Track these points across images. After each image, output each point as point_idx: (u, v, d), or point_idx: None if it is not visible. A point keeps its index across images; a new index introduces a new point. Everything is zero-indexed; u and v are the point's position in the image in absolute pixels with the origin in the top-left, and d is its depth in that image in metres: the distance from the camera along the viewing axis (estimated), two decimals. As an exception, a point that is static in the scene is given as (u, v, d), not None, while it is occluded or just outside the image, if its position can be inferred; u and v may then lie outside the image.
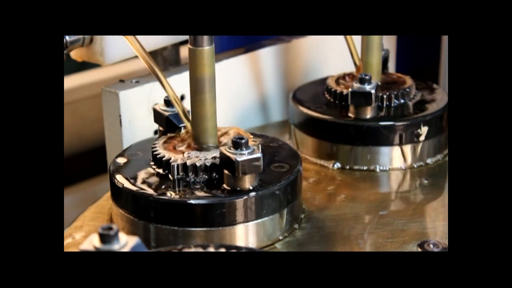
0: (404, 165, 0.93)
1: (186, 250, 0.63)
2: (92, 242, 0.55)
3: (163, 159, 0.77)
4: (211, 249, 0.62)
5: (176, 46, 1.08)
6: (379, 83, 0.96)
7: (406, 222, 0.82)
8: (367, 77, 0.92)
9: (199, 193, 0.75)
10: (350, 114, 0.93)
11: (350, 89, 0.92)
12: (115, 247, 0.55)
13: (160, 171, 0.78)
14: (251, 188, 0.75)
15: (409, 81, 0.99)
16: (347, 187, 0.89)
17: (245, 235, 0.76)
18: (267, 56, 1.09)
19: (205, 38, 0.77)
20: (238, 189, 0.75)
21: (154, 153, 0.79)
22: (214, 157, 0.77)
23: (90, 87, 1.42)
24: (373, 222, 0.82)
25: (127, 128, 0.94)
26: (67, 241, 0.80)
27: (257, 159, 0.74)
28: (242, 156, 0.74)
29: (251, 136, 0.81)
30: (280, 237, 0.78)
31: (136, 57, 0.84)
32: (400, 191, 0.89)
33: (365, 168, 0.93)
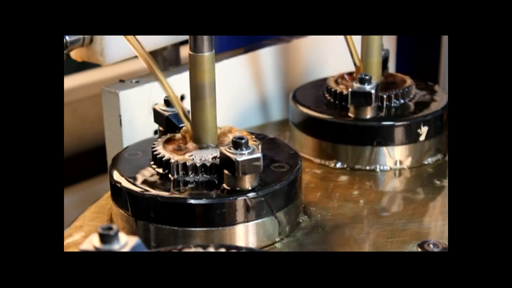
0: (404, 165, 0.93)
1: (186, 250, 0.63)
2: (92, 242, 0.55)
3: (163, 159, 0.77)
4: (211, 249, 0.62)
5: (176, 46, 1.08)
6: (379, 83, 0.96)
7: (406, 222, 0.82)
8: (367, 77, 0.92)
9: (199, 193, 0.75)
10: (350, 114, 0.93)
11: (350, 89, 0.92)
12: (115, 247, 0.55)
13: (160, 171, 0.78)
14: (251, 188, 0.75)
15: (409, 81, 0.99)
16: (347, 187, 0.89)
17: (245, 235, 0.76)
18: (267, 56, 1.09)
19: (205, 44, 0.77)
20: (238, 189, 0.75)
21: (154, 153, 0.79)
22: (214, 157, 0.77)
23: (90, 87, 1.42)
24: (373, 222, 0.82)
25: (127, 128, 0.94)
26: (67, 241, 0.80)
27: (257, 159, 0.74)
28: (242, 156, 0.74)
29: (251, 136, 0.81)
30: (280, 237, 0.78)
31: (136, 57, 0.84)
32: (400, 191, 0.89)
33: (365, 168, 0.93)
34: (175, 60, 1.09)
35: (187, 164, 0.76)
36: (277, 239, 0.78)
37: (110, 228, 0.55)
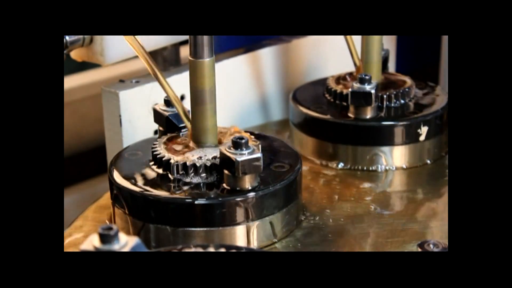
0: (404, 165, 0.93)
1: (186, 250, 0.63)
2: (92, 242, 0.55)
3: (163, 159, 0.77)
4: (211, 249, 0.62)
5: (176, 46, 1.08)
6: (379, 83, 0.96)
7: (406, 222, 0.82)
8: (367, 77, 0.92)
9: (199, 193, 0.75)
10: (350, 114, 0.93)
11: (350, 89, 0.92)
12: (115, 247, 0.55)
13: (160, 171, 0.78)
14: (251, 188, 0.75)
15: (409, 81, 0.99)
16: (347, 187, 0.89)
17: (245, 235, 0.76)
18: (267, 56, 1.09)
19: (205, 49, 0.77)
20: (238, 189, 0.75)
21: (154, 153, 0.79)
22: (214, 157, 0.77)
23: (90, 87, 1.42)
24: (373, 222, 0.82)
25: (127, 128, 0.94)
26: (67, 241, 0.80)
27: (257, 159, 0.74)
28: (242, 156, 0.74)
29: (251, 136, 0.81)
30: (280, 237, 0.78)
31: (136, 57, 0.84)
32: (400, 191, 0.89)
33: (365, 168, 0.93)
34: (175, 60, 1.09)
35: (187, 164, 0.76)
36: (277, 239, 0.78)
37: (110, 228, 0.55)
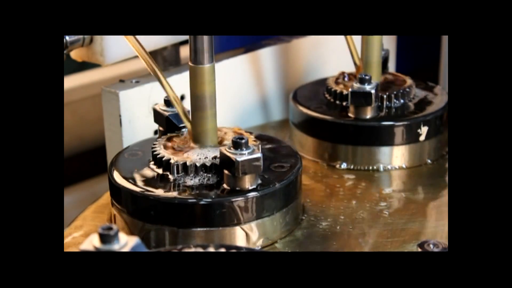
0: (404, 165, 0.93)
1: (186, 250, 0.63)
2: (92, 242, 0.55)
3: (163, 159, 0.77)
4: (211, 249, 0.62)
5: (176, 46, 1.08)
6: (379, 83, 0.96)
7: (406, 222, 0.82)
8: (367, 77, 0.92)
9: (199, 193, 0.75)
10: (350, 114, 0.93)
11: (350, 89, 0.92)
12: (115, 247, 0.55)
13: (160, 171, 0.78)
14: (251, 188, 0.75)
15: (409, 81, 0.99)
16: (347, 187, 0.89)
17: (245, 235, 0.76)
18: (267, 56, 1.09)
19: (206, 55, 0.77)
20: (238, 189, 0.75)
21: (154, 153, 0.79)
22: (214, 157, 0.77)
23: (90, 87, 1.42)
24: (373, 222, 0.82)
25: (127, 128, 0.94)
26: (67, 241, 0.80)
27: (257, 159, 0.74)
28: (242, 156, 0.74)
29: (251, 136, 0.81)
30: (280, 237, 0.78)
31: (136, 57, 0.84)
32: (400, 191, 0.89)
33: (365, 168, 0.93)
34: (175, 60, 1.09)
35: (187, 164, 0.76)
36: (277, 239, 0.78)
37: (110, 228, 0.55)
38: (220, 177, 0.76)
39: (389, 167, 0.93)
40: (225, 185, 0.76)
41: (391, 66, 1.16)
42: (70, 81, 1.43)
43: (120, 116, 0.93)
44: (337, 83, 0.99)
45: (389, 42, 1.20)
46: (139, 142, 0.87)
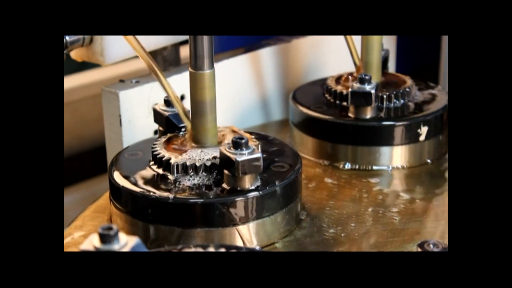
0: (404, 165, 0.93)
1: (186, 250, 0.63)
2: (92, 242, 0.55)
3: (163, 159, 0.77)
4: (211, 249, 0.62)
5: (176, 46, 1.08)
6: (379, 83, 0.96)
7: (406, 222, 0.82)
8: (367, 77, 0.92)
9: (199, 193, 0.75)
10: (350, 114, 0.93)
11: (350, 89, 0.92)
12: (115, 247, 0.55)
13: (160, 171, 0.78)
14: (251, 188, 0.75)
15: (409, 81, 0.99)
16: (347, 187, 0.89)
17: (245, 235, 0.76)
18: (267, 56, 1.09)
19: (206, 61, 0.77)
20: (238, 189, 0.75)
21: (154, 153, 0.79)
22: (214, 157, 0.77)
23: (90, 87, 1.42)
24: (373, 222, 0.82)
25: (127, 128, 0.94)
26: (67, 241, 0.80)
27: (257, 159, 0.74)
28: (242, 156, 0.74)
29: (251, 136, 0.81)
30: (280, 237, 0.78)
31: (136, 57, 0.84)
32: (400, 191, 0.89)
33: (365, 168, 0.93)
34: (175, 60, 1.09)
35: (187, 164, 0.76)
36: (277, 239, 0.78)
37: (110, 228, 0.55)
38: (220, 177, 0.76)
39: (389, 167, 0.93)
40: (225, 185, 0.76)
41: (391, 66, 1.16)
42: (70, 81, 1.43)
43: (120, 116, 0.93)
44: (337, 83, 0.99)
45: (389, 42, 1.20)
46: (139, 142, 0.87)
